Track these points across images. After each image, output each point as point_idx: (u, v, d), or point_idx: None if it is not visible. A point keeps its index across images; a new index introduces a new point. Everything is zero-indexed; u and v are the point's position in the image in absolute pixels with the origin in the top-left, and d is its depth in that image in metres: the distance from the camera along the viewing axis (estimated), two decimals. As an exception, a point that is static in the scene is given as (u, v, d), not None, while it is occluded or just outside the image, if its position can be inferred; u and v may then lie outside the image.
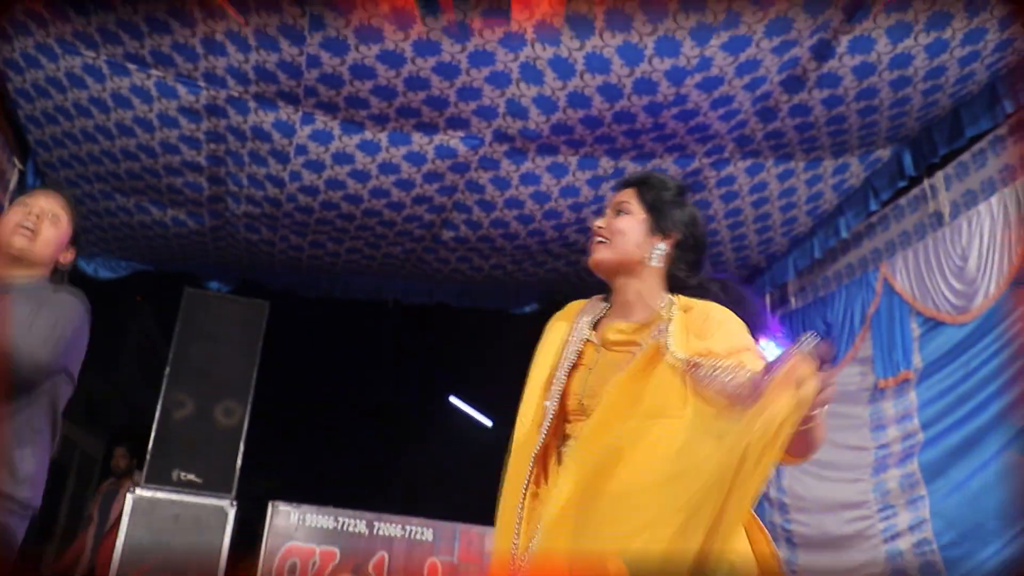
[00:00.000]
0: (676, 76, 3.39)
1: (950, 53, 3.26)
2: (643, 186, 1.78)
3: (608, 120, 3.70)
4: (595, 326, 1.77)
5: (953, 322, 3.99)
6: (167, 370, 5.09)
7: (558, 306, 5.81)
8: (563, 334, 1.80)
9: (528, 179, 4.24)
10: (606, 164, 4.08)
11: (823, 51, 3.27)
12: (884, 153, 4.12)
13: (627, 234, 1.72)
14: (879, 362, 4.32)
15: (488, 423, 9.12)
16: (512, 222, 4.66)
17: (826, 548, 4.46)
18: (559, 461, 1.65)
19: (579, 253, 5.04)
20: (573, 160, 4.07)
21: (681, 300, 1.66)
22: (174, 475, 4.88)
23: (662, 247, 1.73)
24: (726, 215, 4.52)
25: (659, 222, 1.74)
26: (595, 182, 4.24)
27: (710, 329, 1.56)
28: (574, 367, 1.71)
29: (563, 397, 1.68)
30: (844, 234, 4.56)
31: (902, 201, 4.32)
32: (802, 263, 4.94)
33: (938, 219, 4.09)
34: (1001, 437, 3.61)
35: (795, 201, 4.45)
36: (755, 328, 1.65)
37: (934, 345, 4.10)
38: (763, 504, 4.94)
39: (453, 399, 9.05)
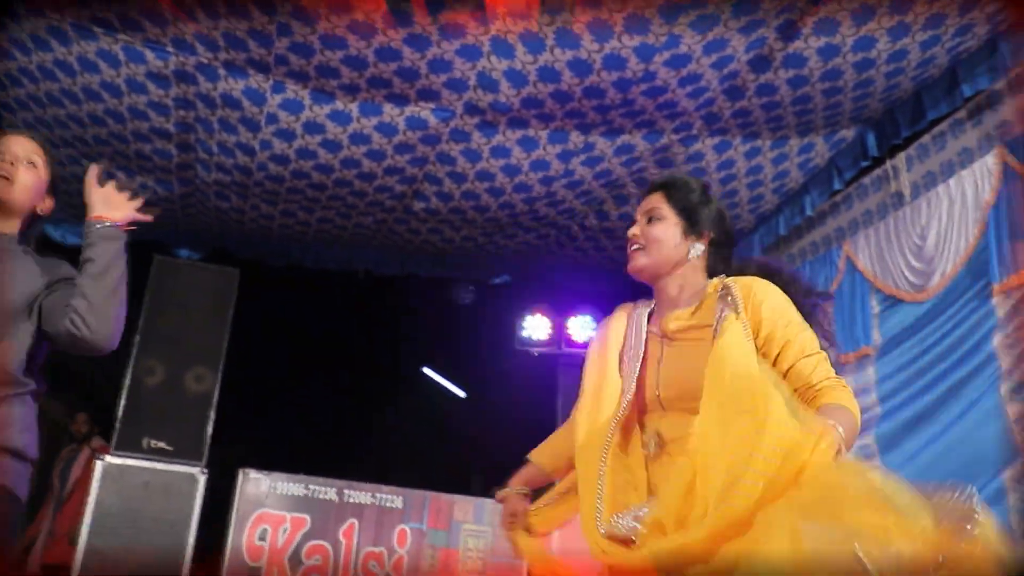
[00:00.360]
0: (645, 53, 3.44)
1: (912, 36, 3.33)
2: (671, 189, 1.82)
3: (578, 95, 3.74)
4: (648, 320, 1.84)
5: (911, 300, 4.12)
6: (137, 337, 5.09)
7: (529, 278, 5.87)
8: (623, 326, 1.86)
9: (498, 152, 4.29)
10: (576, 139, 4.13)
11: (789, 32, 3.33)
12: (848, 133, 4.21)
13: (663, 241, 1.77)
14: (840, 338, 4.43)
15: (461, 394, 9.21)
16: (483, 194, 4.71)
17: (782, 517, 4.61)
18: (650, 455, 1.67)
19: (549, 227, 5.11)
20: (543, 134, 4.12)
21: (723, 280, 1.72)
22: (144, 442, 4.90)
23: (699, 247, 1.79)
24: (694, 191, 4.59)
25: (692, 224, 1.79)
26: (565, 156, 4.29)
27: (757, 309, 1.61)
28: (643, 361, 1.76)
29: (637, 390, 1.74)
30: (809, 212, 4.66)
31: (865, 180, 4.41)
32: (767, 240, 5.04)
33: (899, 199, 4.19)
34: (951, 411, 3.75)
35: (762, 179, 4.54)
36: (797, 298, 1.71)
37: (893, 322, 4.22)
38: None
39: (427, 370, 9.11)
